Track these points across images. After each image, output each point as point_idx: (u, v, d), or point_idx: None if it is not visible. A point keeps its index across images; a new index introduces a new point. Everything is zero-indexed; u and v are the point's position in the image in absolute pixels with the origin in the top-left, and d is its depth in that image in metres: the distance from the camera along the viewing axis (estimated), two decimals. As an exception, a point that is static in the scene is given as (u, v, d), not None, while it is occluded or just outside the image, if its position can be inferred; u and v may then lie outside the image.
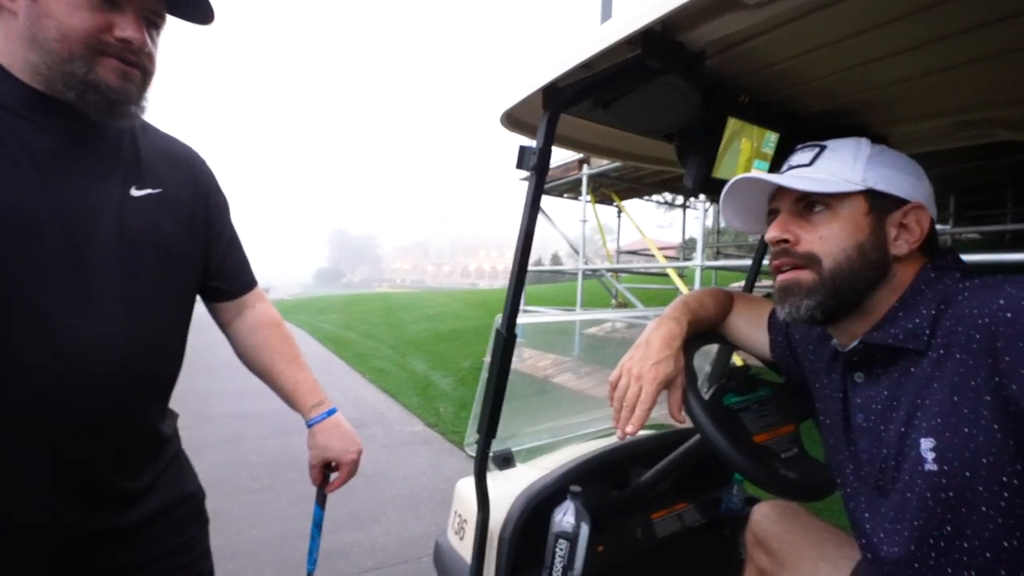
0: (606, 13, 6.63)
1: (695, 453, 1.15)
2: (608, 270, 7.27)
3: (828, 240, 0.69)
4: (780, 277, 0.74)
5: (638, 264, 9.24)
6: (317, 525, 1.09)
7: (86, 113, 0.73)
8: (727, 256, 10.08)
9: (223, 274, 0.97)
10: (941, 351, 0.59)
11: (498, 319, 1.07)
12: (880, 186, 0.69)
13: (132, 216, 0.78)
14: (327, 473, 1.06)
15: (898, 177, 0.70)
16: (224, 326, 1.02)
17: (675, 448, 1.21)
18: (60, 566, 0.75)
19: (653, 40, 0.77)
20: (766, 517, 1.02)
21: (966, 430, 0.53)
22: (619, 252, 8.89)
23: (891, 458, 0.64)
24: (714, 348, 1.65)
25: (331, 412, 1.03)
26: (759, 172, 0.76)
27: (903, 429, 0.62)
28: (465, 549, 1.27)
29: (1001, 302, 0.53)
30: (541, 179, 0.99)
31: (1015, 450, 0.49)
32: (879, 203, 0.70)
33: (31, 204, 0.69)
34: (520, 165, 1.00)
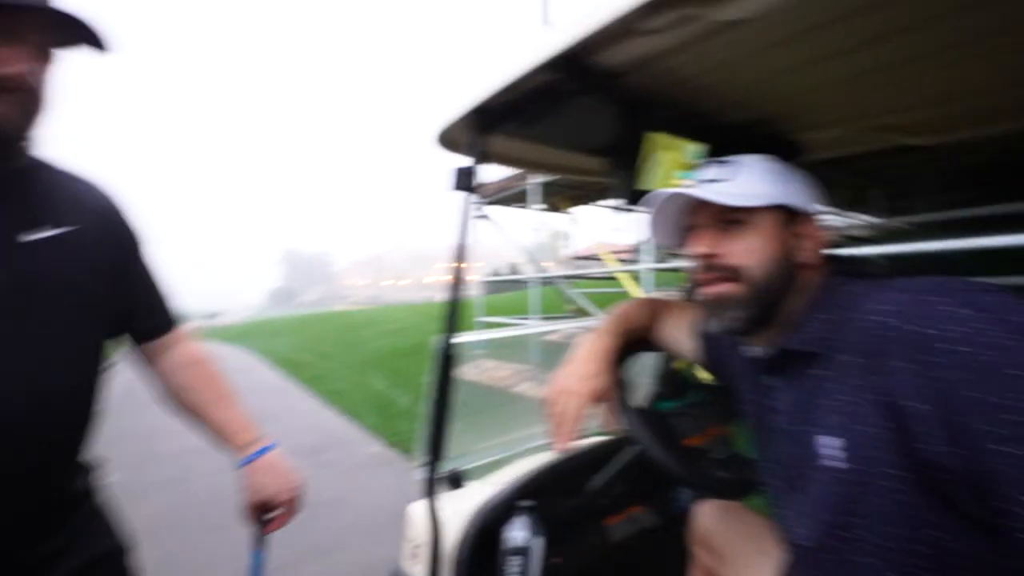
0: (545, 20, 6.77)
1: (643, 456, 1.18)
2: (561, 277, 7.36)
3: (751, 253, 0.72)
4: (708, 291, 0.75)
5: (591, 269, 9.39)
6: (256, 572, 1.02)
7: None
8: (680, 257, 10.35)
9: (141, 314, 0.92)
10: (838, 353, 0.63)
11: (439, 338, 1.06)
12: (788, 199, 0.73)
13: (28, 260, 0.73)
14: (264, 514, 1.01)
15: (800, 191, 0.75)
16: (146, 367, 0.97)
17: (626, 452, 1.24)
18: None
19: (569, 63, 0.80)
20: (707, 516, 1.06)
21: (861, 428, 0.57)
22: (573, 259, 9.02)
23: (802, 456, 0.67)
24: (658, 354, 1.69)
25: (266, 449, 0.99)
26: (684, 188, 0.78)
27: (811, 428, 0.65)
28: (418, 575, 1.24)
29: (887, 307, 0.57)
30: (473, 198, 1.00)
31: (901, 445, 0.53)
32: (788, 215, 0.74)
33: None
34: (455, 186, 1.01)
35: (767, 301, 0.71)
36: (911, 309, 0.54)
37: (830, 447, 0.61)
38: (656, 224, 0.84)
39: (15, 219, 0.74)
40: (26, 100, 0.70)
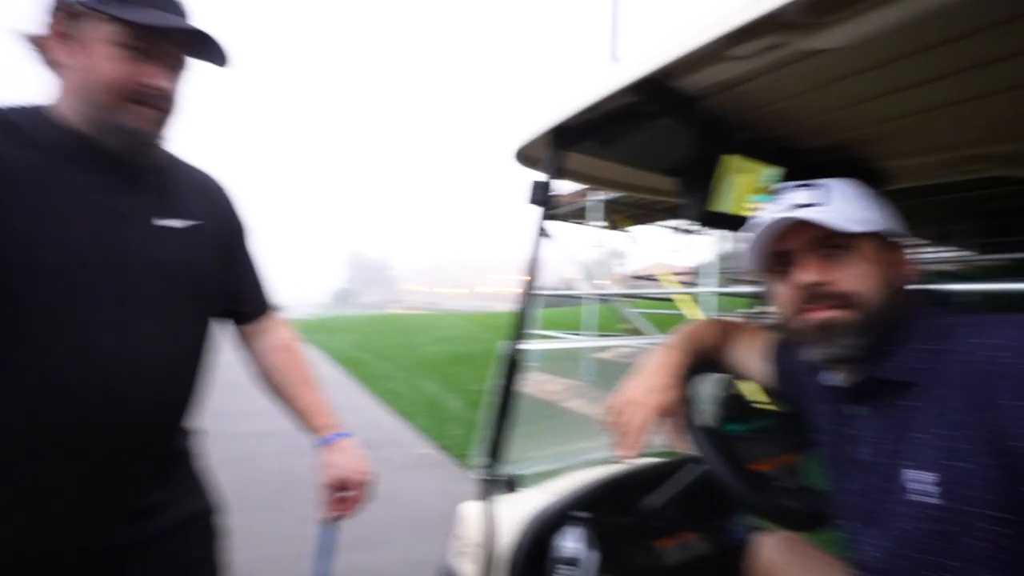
0: (614, 52, 6.82)
1: (700, 481, 1.16)
2: (617, 295, 7.27)
3: (863, 279, 0.69)
4: (818, 315, 0.70)
5: (648, 289, 9.21)
6: (327, 549, 1.08)
7: (121, 154, 0.81)
8: (742, 283, 9.96)
9: (243, 298, 1.04)
10: (935, 386, 0.61)
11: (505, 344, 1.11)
12: (884, 226, 0.72)
13: (165, 245, 0.85)
14: (337, 496, 1.08)
15: (892, 218, 0.73)
16: (242, 347, 1.08)
17: (682, 474, 1.22)
18: None
19: (652, 86, 0.83)
20: (769, 548, 1.03)
21: (961, 465, 0.55)
22: (630, 277, 8.88)
23: (886, 489, 0.65)
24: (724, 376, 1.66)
25: (342, 435, 1.07)
26: (789, 212, 0.73)
27: (898, 461, 0.64)
28: (469, 574, 1.28)
29: (999, 343, 0.55)
30: (548, 212, 1.04)
31: (1007, 485, 0.51)
32: (885, 242, 0.71)
33: (81, 236, 0.76)
34: (531, 200, 1.05)
35: (879, 328, 0.68)
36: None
37: (921, 482, 0.59)
38: (751, 251, 0.78)
39: (152, 207, 0.86)
40: (165, 107, 0.82)
